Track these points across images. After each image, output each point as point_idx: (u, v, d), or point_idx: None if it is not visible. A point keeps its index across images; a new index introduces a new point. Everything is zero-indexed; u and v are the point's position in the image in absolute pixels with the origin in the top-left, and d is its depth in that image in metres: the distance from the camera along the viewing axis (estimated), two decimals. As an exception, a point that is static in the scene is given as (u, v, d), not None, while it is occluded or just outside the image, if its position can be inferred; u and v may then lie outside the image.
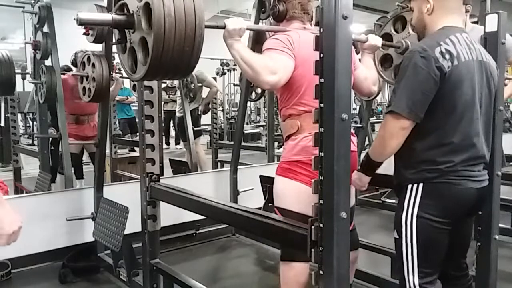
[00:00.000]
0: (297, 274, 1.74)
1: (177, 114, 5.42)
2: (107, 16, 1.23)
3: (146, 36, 1.17)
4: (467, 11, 2.65)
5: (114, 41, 1.38)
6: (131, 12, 1.22)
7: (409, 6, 1.67)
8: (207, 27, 1.33)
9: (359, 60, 1.99)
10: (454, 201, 1.49)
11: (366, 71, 1.93)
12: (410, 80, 1.43)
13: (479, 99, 1.51)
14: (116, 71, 5.11)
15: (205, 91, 5.43)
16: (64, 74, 3.78)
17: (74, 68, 4.01)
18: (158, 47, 1.12)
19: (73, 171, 3.63)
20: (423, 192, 1.49)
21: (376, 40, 1.98)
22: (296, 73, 1.71)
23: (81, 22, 1.24)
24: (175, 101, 6.03)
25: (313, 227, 1.24)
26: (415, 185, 1.50)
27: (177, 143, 7.96)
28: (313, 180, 1.24)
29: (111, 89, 3.56)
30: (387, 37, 2.29)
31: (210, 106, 5.55)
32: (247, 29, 1.73)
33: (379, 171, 1.65)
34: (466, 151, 1.48)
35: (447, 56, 1.42)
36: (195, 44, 1.18)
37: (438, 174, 1.47)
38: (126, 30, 1.32)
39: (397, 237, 1.54)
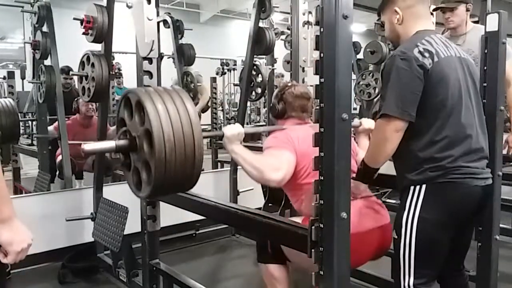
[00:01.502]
0: (273, 274, 1.88)
1: None
2: (111, 144, 1.28)
3: (148, 159, 1.23)
4: (467, 10, 2.65)
5: (120, 164, 1.43)
6: (133, 135, 1.28)
7: (380, 21, 1.70)
8: (206, 136, 1.37)
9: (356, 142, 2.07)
10: (459, 201, 1.49)
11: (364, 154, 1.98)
12: (396, 82, 1.44)
13: (467, 91, 1.52)
14: (116, 70, 5.11)
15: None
16: (68, 118, 3.77)
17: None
18: (160, 170, 1.19)
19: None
20: (426, 194, 1.48)
21: (369, 124, 2.06)
22: (298, 168, 1.75)
23: (86, 153, 1.31)
24: None
25: (313, 227, 1.24)
26: (417, 187, 1.49)
27: None
28: (313, 180, 1.23)
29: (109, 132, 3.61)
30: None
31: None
32: (245, 132, 1.78)
33: (380, 171, 1.65)
34: (462, 143, 1.48)
35: (427, 54, 1.45)
36: (196, 162, 1.26)
37: (441, 172, 1.46)
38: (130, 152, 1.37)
39: (396, 237, 1.54)
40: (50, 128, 3.80)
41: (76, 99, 3.88)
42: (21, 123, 3.88)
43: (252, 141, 8.77)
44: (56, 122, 3.56)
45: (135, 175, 1.31)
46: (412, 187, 1.51)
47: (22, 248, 1.10)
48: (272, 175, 1.67)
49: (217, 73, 8.28)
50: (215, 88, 5.96)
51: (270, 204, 3.00)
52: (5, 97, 3.52)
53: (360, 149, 2.01)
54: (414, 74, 1.43)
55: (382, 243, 1.77)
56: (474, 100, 1.55)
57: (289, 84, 2.05)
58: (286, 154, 1.74)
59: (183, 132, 1.20)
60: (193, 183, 1.31)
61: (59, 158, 3.72)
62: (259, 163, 1.69)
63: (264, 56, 4.05)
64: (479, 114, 1.57)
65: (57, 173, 3.95)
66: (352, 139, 1.92)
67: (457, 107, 1.48)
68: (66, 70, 4.04)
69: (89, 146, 1.31)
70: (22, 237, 1.09)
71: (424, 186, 1.48)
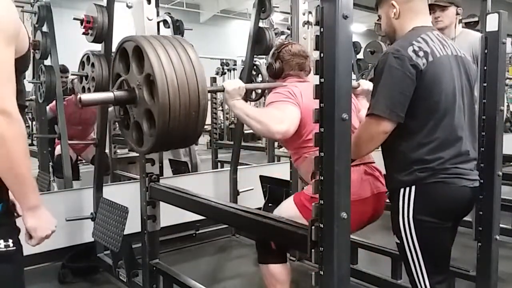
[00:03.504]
0: (275, 274, 1.84)
1: None
2: (109, 94, 1.25)
3: (150, 107, 1.17)
4: (457, 14, 2.64)
5: (117, 119, 1.40)
6: (132, 86, 1.23)
7: (378, 15, 1.70)
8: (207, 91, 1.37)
9: None
10: (448, 201, 1.48)
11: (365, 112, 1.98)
12: (387, 81, 1.43)
13: (460, 92, 1.51)
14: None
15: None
16: (65, 98, 3.79)
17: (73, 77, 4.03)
18: (164, 117, 1.13)
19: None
20: (416, 195, 1.47)
21: (367, 85, 2.05)
22: (303, 122, 1.74)
23: (83, 104, 1.26)
24: None
25: (313, 227, 1.24)
26: (407, 188, 1.48)
27: None
28: (313, 180, 1.23)
29: (110, 109, 3.59)
30: None
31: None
32: (246, 88, 1.76)
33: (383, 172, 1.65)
34: (453, 145, 1.47)
35: (421, 54, 1.43)
36: (201, 107, 1.19)
37: (429, 173, 1.45)
38: (128, 106, 1.33)
39: (399, 242, 1.53)
40: (46, 108, 3.82)
41: (71, 80, 3.89)
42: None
43: (253, 141, 8.79)
44: (53, 102, 3.58)
45: (135, 130, 1.25)
46: (402, 190, 1.49)
47: (46, 235, 1.20)
48: (277, 127, 1.65)
49: (217, 73, 8.29)
50: (215, 88, 5.96)
51: (270, 204, 3.00)
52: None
53: (362, 108, 2.00)
54: (405, 74, 1.41)
55: (376, 210, 1.78)
56: (467, 101, 1.53)
57: (286, 42, 2.02)
58: (289, 107, 1.72)
59: (186, 75, 1.14)
60: (198, 132, 1.24)
61: (58, 149, 3.72)
62: (262, 117, 1.67)
63: (264, 56, 4.04)
64: (470, 115, 1.55)
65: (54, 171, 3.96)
66: (353, 96, 1.92)
67: (450, 109, 1.46)
68: (62, 69, 4.04)
69: (86, 96, 1.26)
70: (46, 225, 1.19)
71: (413, 188, 1.47)
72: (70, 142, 3.54)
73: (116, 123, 4.80)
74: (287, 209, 1.80)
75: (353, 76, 4.65)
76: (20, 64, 1.10)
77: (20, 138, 1.04)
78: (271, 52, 2.02)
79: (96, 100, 1.33)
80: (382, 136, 1.46)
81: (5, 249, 1.10)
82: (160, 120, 1.13)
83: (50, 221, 1.21)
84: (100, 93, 1.26)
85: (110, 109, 3.60)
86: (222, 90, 1.71)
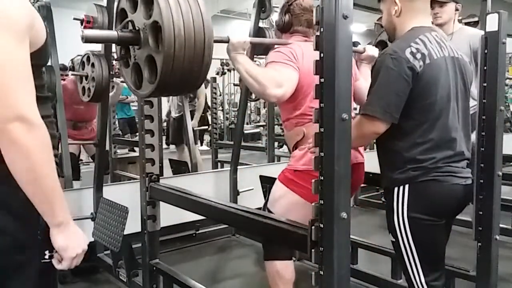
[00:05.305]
0: (280, 271, 1.82)
1: (173, 115, 5.39)
2: (113, 33, 1.23)
3: (153, 54, 1.16)
4: (457, 10, 2.65)
5: (117, 56, 1.39)
6: (137, 28, 1.22)
7: (379, 8, 1.70)
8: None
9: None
10: (441, 198, 1.50)
11: (365, 82, 1.95)
12: (383, 82, 1.45)
13: (455, 94, 1.53)
14: (116, 70, 5.12)
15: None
16: (64, 79, 3.78)
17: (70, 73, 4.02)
18: (167, 67, 1.12)
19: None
20: (410, 193, 1.49)
21: (373, 51, 2.04)
22: (300, 85, 1.73)
23: (86, 40, 1.24)
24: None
25: (313, 227, 1.24)
26: (401, 187, 1.50)
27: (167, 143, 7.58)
28: (313, 180, 1.23)
29: (110, 94, 3.58)
30: (382, 44, 2.33)
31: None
32: (251, 42, 1.75)
33: (378, 170, 1.65)
34: (446, 146, 1.49)
35: (418, 56, 1.44)
36: (204, 63, 1.18)
37: (422, 172, 1.48)
38: (131, 46, 1.32)
39: (394, 240, 1.55)
40: None
41: (71, 59, 3.87)
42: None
43: (253, 141, 8.79)
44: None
45: (134, 71, 1.24)
46: (396, 189, 1.52)
47: (76, 254, 1.08)
48: (273, 90, 1.65)
49: (217, 73, 8.28)
50: (215, 88, 5.97)
51: (270, 204, 2.99)
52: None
53: (360, 77, 1.98)
54: (401, 76, 1.42)
55: (354, 180, 1.77)
56: (461, 102, 1.55)
57: None
58: (289, 70, 1.71)
59: (194, 27, 1.12)
60: (198, 85, 1.23)
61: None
62: (261, 77, 1.66)
63: (264, 56, 4.05)
64: (464, 116, 1.57)
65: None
66: (354, 63, 1.90)
67: (445, 110, 1.49)
68: (62, 67, 4.04)
69: (90, 32, 1.23)
70: (77, 243, 1.08)
71: (407, 186, 1.49)
72: (70, 142, 3.54)
73: (116, 122, 4.82)
74: (276, 191, 1.82)
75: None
76: (38, 58, 1.01)
77: (44, 146, 0.93)
78: (281, 5, 1.97)
79: (99, 37, 1.31)
80: (373, 136, 1.49)
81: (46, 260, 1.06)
82: (162, 69, 1.12)
83: (80, 238, 1.09)
84: (105, 31, 1.24)
85: (111, 94, 3.59)
86: (227, 42, 1.70)
